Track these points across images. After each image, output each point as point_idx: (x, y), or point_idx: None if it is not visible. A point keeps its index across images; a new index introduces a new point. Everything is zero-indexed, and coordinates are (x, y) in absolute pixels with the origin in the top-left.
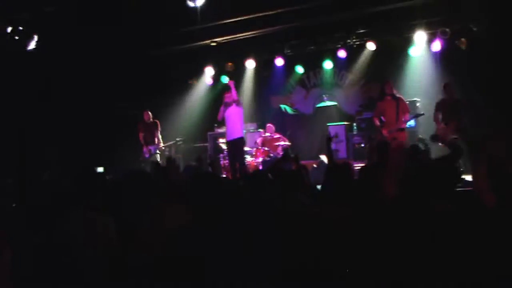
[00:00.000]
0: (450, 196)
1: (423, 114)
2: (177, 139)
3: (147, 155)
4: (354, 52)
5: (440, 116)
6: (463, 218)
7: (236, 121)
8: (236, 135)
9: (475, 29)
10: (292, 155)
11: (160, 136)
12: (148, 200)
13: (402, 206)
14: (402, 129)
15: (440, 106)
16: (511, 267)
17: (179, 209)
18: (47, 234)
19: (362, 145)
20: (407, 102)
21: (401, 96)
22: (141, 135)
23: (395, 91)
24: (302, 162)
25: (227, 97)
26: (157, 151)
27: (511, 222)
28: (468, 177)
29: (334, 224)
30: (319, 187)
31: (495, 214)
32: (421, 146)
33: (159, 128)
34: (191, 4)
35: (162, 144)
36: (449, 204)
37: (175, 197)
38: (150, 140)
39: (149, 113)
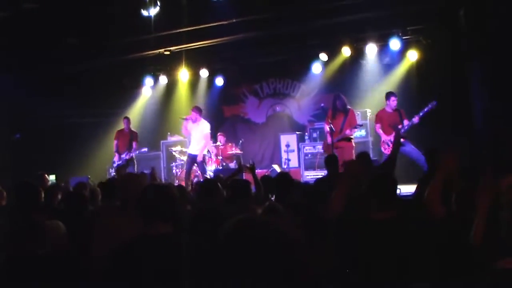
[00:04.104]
0: (393, 203)
1: (361, 125)
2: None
3: (117, 163)
4: (307, 63)
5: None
6: (406, 227)
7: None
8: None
9: (424, 42)
10: (248, 165)
11: (135, 146)
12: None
13: (345, 222)
14: (349, 139)
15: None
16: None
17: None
18: None
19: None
20: (358, 113)
21: (352, 109)
22: (115, 142)
23: (346, 103)
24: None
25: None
26: (126, 160)
27: (456, 232)
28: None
29: (280, 235)
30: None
31: (442, 224)
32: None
33: (137, 139)
34: (145, 13)
35: (133, 155)
36: (391, 212)
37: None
38: (123, 149)
39: (129, 121)
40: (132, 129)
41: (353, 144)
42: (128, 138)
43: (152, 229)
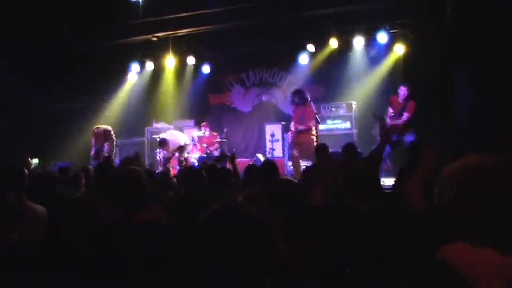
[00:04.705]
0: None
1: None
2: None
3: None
4: (294, 53)
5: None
6: (387, 219)
7: None
8: None
9: (411, 36)
10: (229, 154)
11: (114, 144)
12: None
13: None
14: (307, 131)
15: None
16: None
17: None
18: None
19: None
20: (344, 105)
21: (310, 103)
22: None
23: (306, 97)
24: (239, 160)
25: None
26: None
27: (435, 227)
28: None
29: (257, 224)
30: None
31: (422, 217)
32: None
33: (113, 137)
34: None
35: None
36: (372, 203)
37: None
38: (100, 147)
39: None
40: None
41: (313, 137)
42: (102, 137)
43: (130, 216)
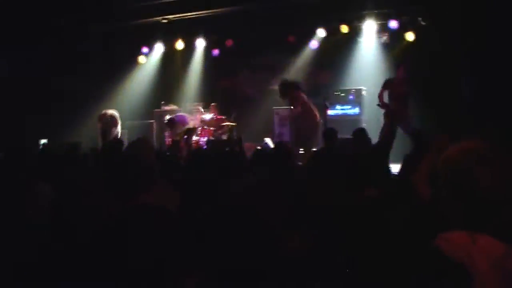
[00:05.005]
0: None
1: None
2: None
3: None
4: (304, 38)
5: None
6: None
7: None
8: None
9: (423, 22)
10: (235, 137)
11: (119, 129)
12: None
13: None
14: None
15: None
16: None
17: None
18: None
19: None
20: (353, 91)
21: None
22: (99, 126)
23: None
24: (247, 144)
25: None
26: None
27: (439, 215)
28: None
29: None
30: None
31: (427, 206)
32: None
33: (118, 122)
34: None
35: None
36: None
37: None
38: (108, 134)
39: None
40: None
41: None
42: (110, 124)
43: (137, 200)
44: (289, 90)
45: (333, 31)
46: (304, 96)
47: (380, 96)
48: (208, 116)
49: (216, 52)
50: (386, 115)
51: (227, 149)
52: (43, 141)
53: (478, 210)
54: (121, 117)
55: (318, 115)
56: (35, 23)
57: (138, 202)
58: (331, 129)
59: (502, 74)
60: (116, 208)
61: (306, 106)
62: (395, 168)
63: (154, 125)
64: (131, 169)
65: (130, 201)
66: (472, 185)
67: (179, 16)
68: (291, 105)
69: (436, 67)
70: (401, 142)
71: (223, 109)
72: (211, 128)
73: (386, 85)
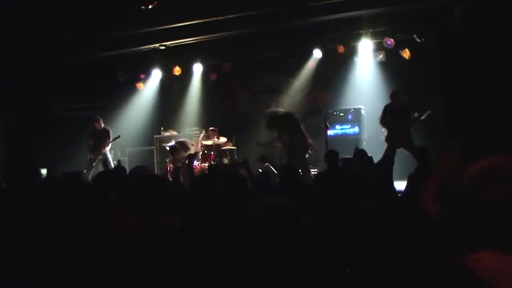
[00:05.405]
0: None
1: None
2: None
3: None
4: (301, 59)
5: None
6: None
7: None
8: None
9: (418, 40)
10: (240, 160)
11: (109, 144)
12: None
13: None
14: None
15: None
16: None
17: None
18: None
19: None
20: (352, 110)
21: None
22: (90, 140)
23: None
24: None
25: None
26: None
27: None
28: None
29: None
30: None
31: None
32: None
33: (110, 136)
34: (142, 7)
35: (107, 148)
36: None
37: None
38: (98, 148)
39: (101, 121)
40: (104, 128)
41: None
42: (102, 136)
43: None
44: (276, 123)
45: (330, 51)
46: (294, 124)
47: (382, 121)
48: (208, 141)
49: (214, 76)
50: (386, 139)
51: (229, 172)
52: (43, 171)
53: (503, 228)
54: (121, 143)
55: (309, 140)
56: (38, 39)
57: (165, 224)
58: (331, 151)
59: (500, 89)
60: (138, 227)
61: (294, 135)
62: (399, 185)
63: (155, 151)
64: (163, 193)
65: (157, 223)
66: (498, 203)
67: (177, 42)
68: (279, 136)
69: (435, 84)
70: (404, 160)
71: (223, 133)
72: (212, 153)
73: (386, 111)
